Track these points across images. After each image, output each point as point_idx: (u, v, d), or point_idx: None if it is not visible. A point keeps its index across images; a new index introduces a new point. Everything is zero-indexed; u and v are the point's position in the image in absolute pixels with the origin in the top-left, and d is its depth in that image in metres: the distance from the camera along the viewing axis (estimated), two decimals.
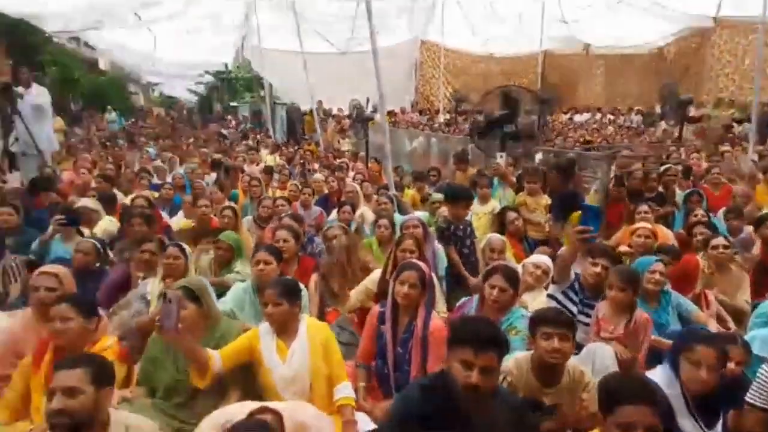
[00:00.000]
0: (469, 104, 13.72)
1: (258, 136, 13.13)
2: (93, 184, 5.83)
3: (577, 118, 14.10)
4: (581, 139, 9.79)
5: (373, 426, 2.24)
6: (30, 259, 3.59)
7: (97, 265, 3.30)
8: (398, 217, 4.22)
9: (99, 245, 3.28)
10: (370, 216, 4.80)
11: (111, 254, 3.53)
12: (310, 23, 11.79)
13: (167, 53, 13.75)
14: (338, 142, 10.91)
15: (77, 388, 1.59)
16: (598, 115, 14.04)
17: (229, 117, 18.27)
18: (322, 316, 3.15)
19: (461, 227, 3.51)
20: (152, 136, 12.99)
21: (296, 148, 10.58)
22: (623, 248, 3.58)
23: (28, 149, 6.52)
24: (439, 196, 4.54)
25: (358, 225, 4.43)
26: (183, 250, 3.09)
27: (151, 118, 19.40)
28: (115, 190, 5.44)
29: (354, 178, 6.09)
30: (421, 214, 4.40)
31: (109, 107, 14.63)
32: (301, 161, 8.03)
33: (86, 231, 3.88)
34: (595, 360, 2.35)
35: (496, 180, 4.92)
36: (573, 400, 2.10)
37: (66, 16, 8.29)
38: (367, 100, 11.41)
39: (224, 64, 17.17)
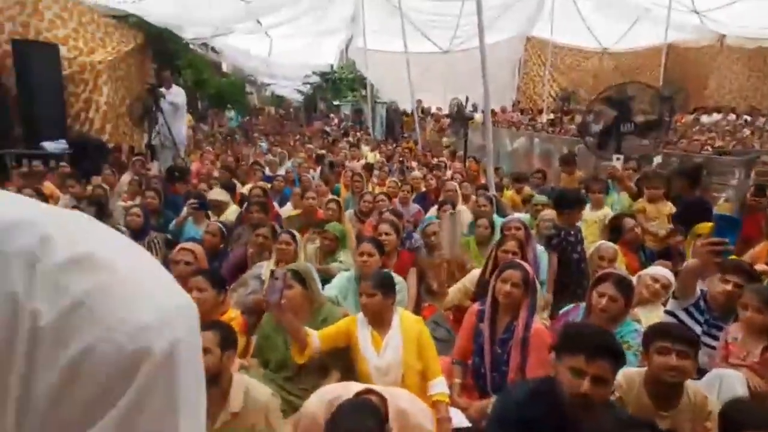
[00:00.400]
0: (576, 103, 12.92)
1: (358, 134, 13.64)
2: (215, 174, 6.53)
3: (705, 119, 12.53)
4: (710, 143, 8.71)
5: (467, 423, 2.24)
6: (168, 237, 4.14)
7: (222, 246, 3.69)
8: (497, 218, 4.14)
9: (224, 229, 3.67)
10: (467, 215, 4.76)
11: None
12: (414, 23, 11.95)
13: (280, 56, 14.85)
14: (436, 140, 10.93)
15: (207, 348, 1.81)
16: (732, 116, 12.35)
17: (332, 115, 19.17)
18: (418, 310, 3.21)
19: (572, 232, 3.34)
20: (264, 133, 14.15)
21: (395, 145, 10.81)
22: (760, 267, 3.15)
23: (165, 142, 7.51)
24: (543, 198, 4.36)
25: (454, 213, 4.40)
26: (294, 237, 3.35)
27: (263, 116, 21.07)
28: (234, 180, 6.05)
29: (452, 177, 6.07)
30: (521, 216, 4.27)
31: (229, 106, 16.19)
32: (400, 159, 8.19)
33: (213, 217, 4.37)
34: (722, 387, 2.11)
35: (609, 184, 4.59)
36: (693, 428, 1.91)
37: (201, 25, 9.38)
38: (467, 98, 11.29)
39: (330, 65, 18.03)
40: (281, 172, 6.74)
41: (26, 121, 6.75)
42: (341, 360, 2.45)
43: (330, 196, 4.92)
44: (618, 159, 4.39)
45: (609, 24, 13.80)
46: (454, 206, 4.57)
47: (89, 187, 5.28)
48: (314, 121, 18.42)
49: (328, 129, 15.23)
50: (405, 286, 3.05)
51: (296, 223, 4.50)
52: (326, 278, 3.34)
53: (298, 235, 3.46)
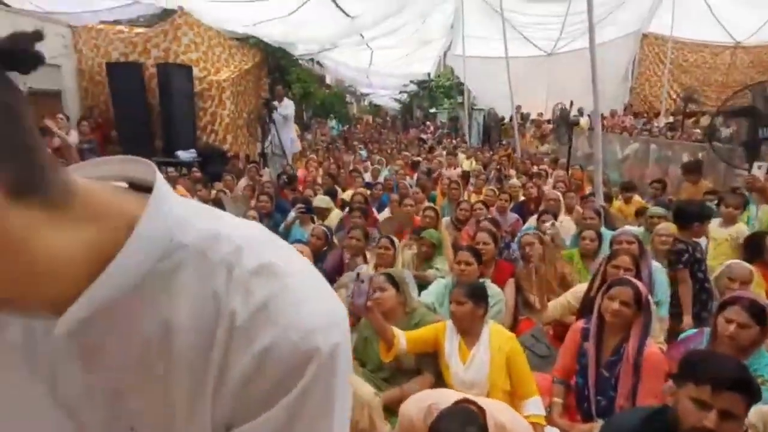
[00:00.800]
0: (701, 104, 11.56)
1: (454, 141, 13.59)
2: (319, 180, 6.96)
3: None
4: None
5: None
6: None
7: (325, 249, 3.93)
8: (605, 231, 3.88)
9: (328, 232, 3.91)
10: (570, 227, 4.52)
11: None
12: (515, 26, 11.63)
13: (380, 67, 15.36)
14: (537, 147, 10.49)
15: None
16: None
17: (428, 123, 19.34)
18: (515, 323, 3.13)
19: (698, 248, 3.03)
20: (362, 141, 14.73)
21: (492, 153, 10.59)
22: None
23: (276, 150, 8.18)
24: (660, 210, 3.99)
25: (553, 235, 4.22)
26: (392, 242, 3.46)
27: (361, 125, 21.93)
28: (336, 186, 6.39)
29: (554, 186, 5.80)
30: (634, 229, 3.95)
31: (331, 115, 17.16)
32: (497, 167, 8.00)
33: (318, 221, 4.66)
34: None
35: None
36: None
37: (310, 42, 10.10)
38: (571, 103, 10.68)
39: (427, 73, 18.24)
40: (380, 179, 6.96)
41: (165, 133, 7.80)
42: (435, 365, 2.48)
43: (427, 204, 4.98)
44: (759, 167, 3.82)
45: (743, 15, 12.15)
46: (555, 217, 4.37)
47: (213, 191, 5.94)
48: (410, 129, 18.75)
49: (424, 137, 15.40)
50: (503, 297, 2.99)
51: (392, 225, 4.64)
52: (423, 284, 3.41)
53: (396, 240, 3.57)
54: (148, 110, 7.80)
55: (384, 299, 2.52)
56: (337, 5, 7.94)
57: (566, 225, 4.54)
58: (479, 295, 2.34)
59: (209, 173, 6.95)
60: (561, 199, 4.86)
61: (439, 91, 18.85)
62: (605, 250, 3.40)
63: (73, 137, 7.03)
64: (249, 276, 0.43)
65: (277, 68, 10.53)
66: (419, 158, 9.49)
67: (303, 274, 0.46)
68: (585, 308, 2.65)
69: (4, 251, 0.34)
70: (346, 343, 0.46)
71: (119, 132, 7.75)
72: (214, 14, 8.21)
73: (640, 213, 4.62)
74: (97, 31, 8.23)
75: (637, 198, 5.46)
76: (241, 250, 0.44)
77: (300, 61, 11.47)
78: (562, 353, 2.43)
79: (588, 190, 6.43)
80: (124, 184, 0.46)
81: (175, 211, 0.44)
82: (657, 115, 12.99)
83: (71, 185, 0.39)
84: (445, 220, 4.82)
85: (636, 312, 2.20)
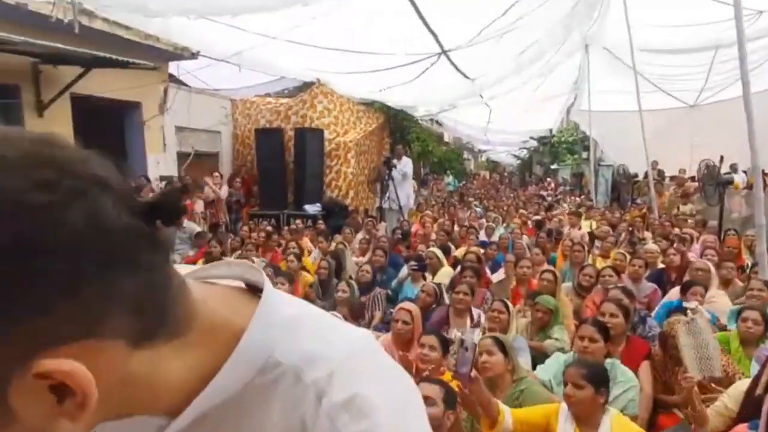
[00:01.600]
0: None
1: (578, 199, 12.76)
2: (433, 236, 6.97)
3: None
4: None
5: None
6: (388, 293, 4.57)
7: (434, 306, 3.87)
8: None
9: (438, 290, 3.86)
10: (725, 303, 3.83)
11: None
12: (649, 79, 10.87)
13: (498, 123, 15.37)
14: (678, 208, 9.31)
15: (431, 398, 1.91)
16: None
17: (549, 179, 18.56)
18: (654, 417, 2.67)
19: None
20: (478, 197, 14.59)
21: (622, 213, 9.68)
22: None
23: (392, 206, 8.50)
24: None
25: (695, 314, 3.58)
26: (507, 306, 3.28)
27: (478, 180, 21.84)
28: (449, 244, 6.33)
29: (703, 253, 5.03)
30: None
31: (447, 171, 17.44)
32: (629, 228, 7.23)
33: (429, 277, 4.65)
34: None
35: None
36: None
37: (431, 104, 10.60)
38: (721, 158, 9.41)
39: (548, 129, 17.73)
40: (495, 237, 6.75)
41: (296, 188, 8.64)
42: None
43: (546, 266, 4.67)
44: None
45: None
46: (706, 289, 3.75)
47: (333, 244, 6.30)
48: (528, 186, 18.15)
49: (543, 193, 14.75)
50: (636, 383, 2.58)
51: (504, 288, 4.41)
52: (537, 356, 3.14)
53: (511, 305, 3.37)
54: (284, 169, 8.76)
55: (491, 364, 2.38)
56: (458, 69, 8.25)
57: (720, 301, 3.86)
58: (601, 380, 2.08)
59: (331, 226, 7.43)
60: (712, 269, 4.16)
61: (561, 147, 18.13)
62: None
63: (224, 191, 8.16)
64: (337, 410, 0.42)
65: (398, 128, 11.15)
66: (539, 217, 9.05)
67: (396, 410, 0.44)
68: (747, 409, 2.16)
69: (128, 388, 0.38)
70: None
71: (260, 187, 8.79)
72: (346, 84, 9.12)
73: None
74: (251, 102, 9.71)
75: None
76: (334, 377, 0.43)
77: (420, 121, 12.02)
78: None
79: (745, 259, 5.48)
80: (241, 284, 0.49)
81: (280, 323, 0.45)
82: None
83: (190, 310, 0.42)
84: (566, 285, 4.45)
85: None
